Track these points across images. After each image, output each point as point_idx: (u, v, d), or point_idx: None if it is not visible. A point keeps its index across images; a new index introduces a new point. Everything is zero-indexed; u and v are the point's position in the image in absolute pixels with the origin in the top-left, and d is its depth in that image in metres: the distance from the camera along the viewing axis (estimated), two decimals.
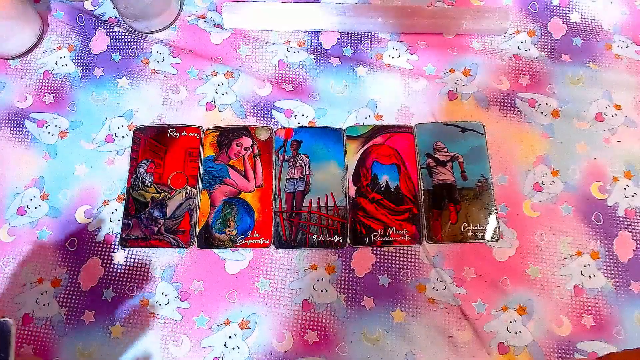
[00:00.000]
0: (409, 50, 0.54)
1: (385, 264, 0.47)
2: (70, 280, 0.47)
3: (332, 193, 0.49)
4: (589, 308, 0.45)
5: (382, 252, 0.47)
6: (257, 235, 0.47)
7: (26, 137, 0.51)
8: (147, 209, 0.48)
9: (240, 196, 0.49)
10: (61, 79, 0.54)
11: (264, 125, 0.52)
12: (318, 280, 0.47)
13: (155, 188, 0.49)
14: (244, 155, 0.50)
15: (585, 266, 0.47)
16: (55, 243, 0.48)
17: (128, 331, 0.45)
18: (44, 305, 0.46)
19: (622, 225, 0.48)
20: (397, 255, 0.47)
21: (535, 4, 0.57)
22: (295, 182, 0.49)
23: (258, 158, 0.50)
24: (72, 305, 0.46)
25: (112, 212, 0.49)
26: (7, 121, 0.52)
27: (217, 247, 0.47)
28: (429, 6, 0.56)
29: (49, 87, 0.53)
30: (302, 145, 0.51)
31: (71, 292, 0.46)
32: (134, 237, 0.47)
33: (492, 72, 0.53)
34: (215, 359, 0.44)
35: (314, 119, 0.52)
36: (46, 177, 0.50)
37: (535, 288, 0.46)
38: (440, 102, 0.52)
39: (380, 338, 0.45)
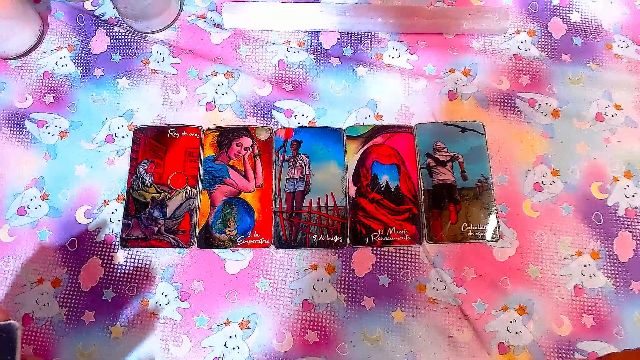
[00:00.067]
0: (409, 50, 0.54)
1: (385, 264, 0.47)
2: (70, 280, 0.47)
3: (332, 193, 0.49)
4: (589, 308, 0.45)
5: (382, 252, 0.47)
6: (257, 235, 0.47)
7: (26, 137, 0.51)
8: (147, 209, 0.48)
9: (240, 196, 0.49)
10: (61, 79, 0.54)
11: (264, 125, 0.52)
12: (318, 280, 0.47)
13: (155, 188, 0.49)
14: (244, 155, 0.50)
15: (585, 266, 0.47)
16: (56, 243, 0.48)
17: (128, 331, 0.45)
18: (44, 305, 0.46)
19: (622, 225, 0.48)
20: (397, 255, 0.47)
21: (535, 4, 0.57)
22: (295, 182, 0.49)
23: (258, 158, 0.50)
24: (72, 305, 0.46)
25: (112, 212, 0.49)
26: (7, 121, 0.52)
27: (217, 247, 0.47)
28: (429, 6, 0.56)
29: (49, 88, 0.53)
30: (302, 145, 0.51)
31: (71, 292, 0.46)
32: (134, 237, 0.47)
33: (492, 72, 0.53)
34: (215, 359, 0.44)
35: (314, 119, 0.52)
36: (46, 177, 0.50)
37: (536, 288, 0.46)
38: (440, 102, 0.52)
39: (380, 338, 0.45)
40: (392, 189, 0.49)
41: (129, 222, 0.48)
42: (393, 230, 0.47)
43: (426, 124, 0.51)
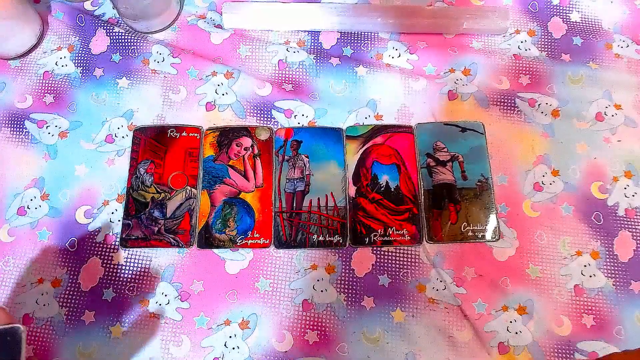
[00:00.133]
0: (409, 50, 0.54)
1: (385, 264, 0.47)
2: (70, 280, 0.47)
3: (332, 193, 0.49)
4: (589, 308, 0.45)
5: (382, 252, 0.47)
6: (257, 235, 0.47)
7: (26, 137, 0.51)
8: (147, 209, 0.48)
9: (240, 196, 0.49)
10: (61, 80, 0.54)
11: (264, 125, 0.52)
12: (318, 280, 0.47)
13: (155, 188, 0.49)
14: (244, 155, 0.50)
15: (585, 266, 0.47)
16: (56, 243, 0.48)
17: (128, 331, 0.45)
18: (44, 305, 0.46)
19: (623, 225, 0.48)
20: (397, 255, 0.47)
21: (535, 4, 0.57)
22: (295, 182, 0.49)
23: (258, 158, 0.50)
24: (72, 305, 0.46)
25: (112, 213, 0.49)
26: (7, 121, 0.52)
27: (217, 247, 0.47)
28: (429, 6, 0.56)
29: (49, 88, 0.53)
30: (302, 145, 0.51)
31: (71, 292, 0.46)
32: (134, 237, 0.47)
33: (492, 71, 0.53)
34: (215, 359, 0.44)
35: (314, 119, 0.52)
36: (46, 177, 0.50)
37: (536, 288, 0.46)
38: (440, 102, 0.52)
39: (380, 338, 0.45)
40: (392, 189, 0.49)
41: (129, 222, 0.48)
42: (393, 230, 0.47)
43: (426, 124, 0.51)
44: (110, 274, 0.47)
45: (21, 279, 0.47)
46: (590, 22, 0.56)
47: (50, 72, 0.54)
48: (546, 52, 0.54)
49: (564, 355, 0.44)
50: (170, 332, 0.45)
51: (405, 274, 0.47)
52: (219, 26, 0.56)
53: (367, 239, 0.47)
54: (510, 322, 0.45)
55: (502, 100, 0.52)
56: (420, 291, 0.46)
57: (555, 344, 0.44)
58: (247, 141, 0.51)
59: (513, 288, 0.46)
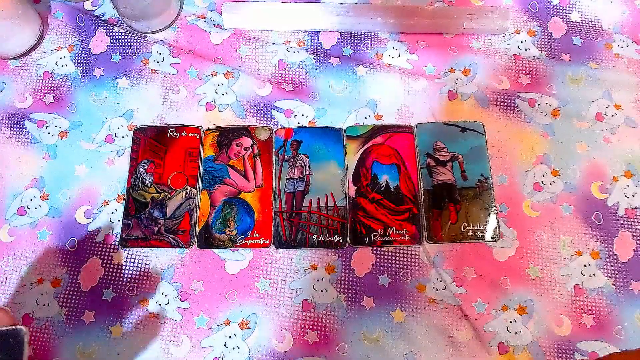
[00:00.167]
0: (408, 50, 0.54)
1: (385, 264, 0.47)
2: (70, 280, 0.47)
3: (332, 193, 0.49)
4: (589, 308, 0.45)
5: (382, 252, 0.47)
6: (257, 235, 0.47)
7: (26, 137, 0.51)
8: (147, 209, 0.48)
9: (240, 196, 0.49)
10: (61, 79, 0.54)
11: (264, 125, 0.52)
12: (318, 280, 0.47)
13: (155, 188, 0.49)
14: (243, 155, 0.50)
15: (585, 266, 0.47)
16: (55, 243, 0.48)
17: (128, 331, 0.45)
18: (44, 305, 0.46)
19: (622, 225, 0.48)
20: (397, 255, 0.47)
21: (535, 4, 0.57)
22: (295, 182, 0.49)
23: (258, 158, 0.50)
24: (72, 305, 0.46)
25: (112, 212, 0.49)
26: (7, 121, 0.52)
27: (217, 247, 0.47)
28: (429, 6, 0.56)
29: (49, 88, 0.53)
30: (302, 145, 0.51)
31: (71, 292, 0.46)
32: (134, 237, 0.47)
33: (492, 71, 0.53)
34: (215, 359, 0.44)
35: (313, 119, 0.52)
36: (46, 177, 0.50)
37: (536, 288, 0.46)
38: (440, 101, 0.52)
39: (380, 338, 0.45)
40: (392, 189, 0.49)
41: (129, 222, 0.48)
42: (393, 230, 0.47)
43: (426, 124, 0.51)
44: (110, 274, 0.47)
45: (21, 279, 0.47)
46: (590, 22, 0.56)
47: (50, 72, 0.54)
48: (546, 52, 0.54)
49: (564, 355, 0.44)
50: (170, 332, 0.45)
51: (405, 274, 0.47)
52: (219, 26, 0.56)
53: (367, 239, 0.47)
54: (510, 322, 0.45)
55: (502, 100, 0.52)
56: (420, 291, 0.46)
57: (555, 344, 0.44)
58: (247, 141, 0.51)
59: (513, 288, 0.46)
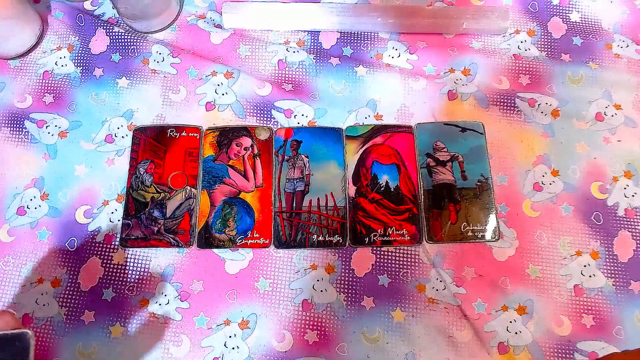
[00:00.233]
0: (408, 50, 0.54)
1: (385, 264, 0.47)
2: (70, 280, 0.47)
3: (332, 193, 0.49)
4: (589, 308, 0.45)
5: (382, 252, 0.47)
6: (257, 235, 0.47)
7: (26, 137, 0.51)
8: (147, 209, 0.48)
9: (240, 196, 0.49)
10: (61, 79, 0.54)
11: (264, 125, 0.52)
12: (318, 280, 0.47)
13: (155, 188, 0.49)
14: (243, 155, 0.50)
15: (585, 266, 0.47)
16: (55, 243, 0.48)
17: (128, 331, 0.45)
18: (43, 305, 0.46)
19: (622, 225, 0.48)
20: (397, 255, 0.47)
21: (535, 4, 0.57)
22: (295, 182, 0.49)
23: (258, 158, 0.50)
24: (72, 305, 0.46)
25: (112, 212, 0.49)
26: (7, 121, 0.52)
27: (217, 247, 0.47)
28: (429, 6, 0.56)
29: (49, 87, 0.53)
30: (302, 145, 0.51)
31: (71, 292, 0.46)
32: (133, 237, 0.47)
33: (492, 71, 0.53)
34: (215, 359, 0.44)
35: (313, 118, 0.52)
36: (46, 177, 0.50)
37: (535, 288, 0.46)
38: (440, 101, 0.52)
39: (380, 338, 0.45)
40: (392, 189, 0.49)
41: (129, 222, 0.48)
42: (393, 230, 0.47)
43: (426, 124, 0.51)
44: (110, 274, 0.47)
45: (21, 279, 0.47)
46: (590, 22, 0.56)
47: (50, 72, 0.54)
48: (546, 52, 0.54)
49: (563, 355, 0.44)
50: (170, 332, 0.45)
51: (405, 274, 0.47)
52: (219, 26, 0.56)
53: (367, 239, 0.47)
54: (510, 322, 0.45)
55: (502, 100, 0.52)
56: (420, 291, 0.46)
57: (555, 344, 0.44)
58: (247, 141, 0.51)
59: (513, 288, 0.46)
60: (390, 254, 0.47)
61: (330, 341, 0.45)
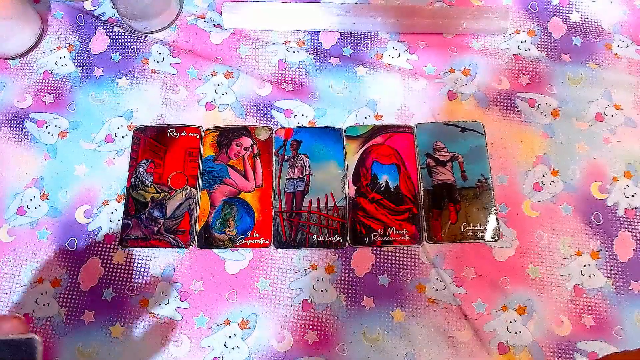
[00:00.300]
0: (408, 50, 0.54)
1: (385, 264, 0.47)
2: (70, 280, 0.47)
3: (332, 193, 0.49)
4: (589, 308, 0.45)
5: (382, 252, 0.47)
6: (257, 235, 0.47)
7: (26, 137, 0.51)
8: (147, 209, 0.48)
9: (240, 196, 0.49)
10: (61, 79, 0.54)
11: (264, 125, 0.52)
12: (318, 280, 0.47)
13: (155, 188, 0.49)
14: (243, 155, 0.50)
15: (585, 266, 0.47)
16: (55, 243, 0.48)
17: (128, 331, 0.45)
18: (43, 305, 0.46)
19: (622, 225, 0.48)
20: (397, 255, 0.47)
21: (535, 4, 0.57)
22: (295, 182, 0.49)
23: (258, 158, 0.50)
24: (72, 305, 0.46)
25: (112, 212, 0.49)
26: (7, 121, 0.52)
27: (217, 247, 0.47)
28: (429, 6, 0.56)
29: (49, 87, 0.53)
30: (302, 145, 0.51)
31: (71, 292, 0.46)
32: (133, 237, 0.47)
33: (492, 72, 0.53)
34: (215, 359, 0.44)
35: (313, 118, 0.52)
36: (46, 177, 0.50)
37: (535, 288, 0.46)
38: (440, 102, 0.52)
39: (380, 338, 0.45)
40: (392, 189, 0.49)
41: (129, 222, 0.48)
42: (393, 230, 0.47)
43: (426, 124, 0.51)
44: (110, 273, 0.47)
45: (21, 278, 0.47)
46: (590, 22, 0.56)
47: (50, 72, 0.54)
48: (546, 52, 0.54)
49: (563, 355, 0.44)
50: (170, 332, 0.45)
51: (405, 274, 0.47)
52: (219, 26, 0.56)
53: (367, 239, 0.47)
54: (510, 322, 0.45)
55: (502, 100, 0.52)
56: (420, 291, 0.46)
57: (555, 344, 0.44)
58: (247, 141, 0.51)
59: (513, 288, 0.46)
60: (390, 254, 0.47)
61: (330, 341, 0.45)
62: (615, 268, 0.46)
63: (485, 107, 0.52)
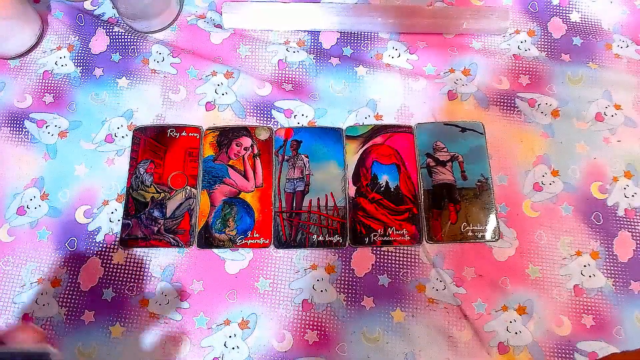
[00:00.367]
0: (408, 50, 0.54)
1: (385, 264, 0.47)
2: (70, 280, 0.47)
3: (332, 193, 0.49)
4: (589, 308, 0.45)
5: (382, 252, 0.47)
6: (257, 235, 0.47)
7: (26, 137, 0.51)
8: (147, 209, 0.48)
9: (240, 196, 0.49)
10: (61, 79, 0.54)
11: (264, 125, 0.52)
12: (318, 280, 0.47)
13: (155, 188, 0.49)
14: (243, 155, 0.50)
15: (585, 266, 0.47)
16: (55, 243, 0.48)
17: (128, 331, 0.45)
18: (43, 305, 0.46)
19: (622, 225, 0.48)
20: (397, 255, 0.47)
21: (535, 4, 0.57)
22: (295, 182, 0.49)
23: (258, 158, 0.50)
24: (72, 305, 0.46)
25: (112, 212, 0.49)
26: (7, 121, 0.52)
27: (217, 247, 0.47)
28: (429, 6, 0.56)
29: (49, 87, 0.53)
30: (302, 145, 0.51)
31: (71, 292, 0.46)
32: (133, 237, 0.47)
33: (492, 72, 0.53)
34: (215, 359, 0.44)
35: (313, 118, 0.52)
36: (46, 177, 0.50)
37: (535, 288, 0.46)
38: (440, 102, 0.52)
39: (380, 338, 0.45)
40: (392, 189, 0.49)
41: (129, 222, 0.48)
42: (393, 230, 0.47)
43: (426, 124, 0.51)
44: (109, 273, 0.47)
45: (21, 278, 0.47)
46: (590, 22, 0.56)
47: (50, 72, 0.54)
48: (546, 52, 0.54)
49: (563, 355, 0.44)
50: (170, 332, 0.45)
51: (405, 274, 0.47)
52: (219, 26, 0.56)
53: (367, 239, 0.47)
54: (510, 322, 0.45)
55: (502, 100, 0.52)
56: (420, 291, 0.46)
57: (555, 344, 0.44)
58: (247, 141, 0.51)
59: (513, 288, 0.46)
60: (390, 254, 0.47)
61: (330, 341, 0.45)
62: (615, 268, 0.46)
63: (485, 107, 0.52)
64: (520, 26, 0.56)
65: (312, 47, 0.55)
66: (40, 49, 0.55)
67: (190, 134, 0.51)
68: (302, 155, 0.50)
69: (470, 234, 0.47)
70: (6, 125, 0.52)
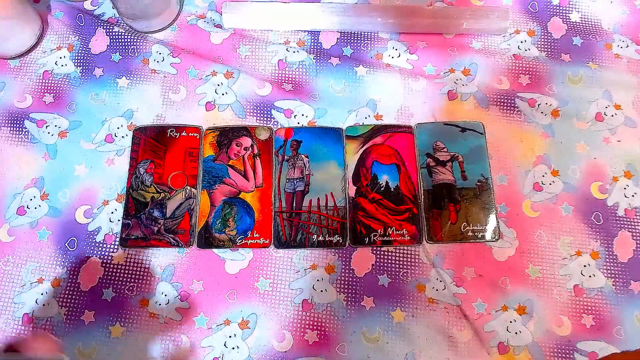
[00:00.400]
0: (408, 50, 0.54)
1: (385, 264, 0.47)
2: (70, 280, 0.47)
3: (332, 193, 0.49)
4: (589, 308, 0.45)
5: (382, 252, 0.47)
6: (257, 235, 0.47)
7: (26, 137, 0.51)
8: (147, 209, 0.48)
9: (240, 196, 0.49)
10: (61, 79, 0.54)
11: (264, 125, 0.52)
12: (318, 280, 0.47)
13: (155, 188, 0.49)
14: (243, 155, 0.50)
15: (585, 266, 0.47)
16: (55, 243, 0.48)
17: (128, 331, 0.45)
18: (43, 305, 0.46)
19: (622, 225, 0.48)
20: (397, 255, 0.47)
21: (535, 4, 0.57)
22: (295, 182, 0.49)
23: (258, 158, 0.50)
24: (72, 305, 0.46)
25: (112, 212, 0.49)
26: (7, 121, 0.52)
27: (217, 247, 0.47)
28: (429, 6, 0.56)
29: (49, 87, 0.53)
30: (302, 145, 0.51)
31: (71, 292, 0.46)
32: (133, 237, 0.47)
33: (492, 71, 0.53)
34: (215, 359, 0.44)
35: (313, 118, 0.52)
36: (46, 177, 0.50)
37: (535, 288, 0.46)
38: (440, 102, 0.52)
39: (380, 338, 0.45)
40: (392, 189, 0.49)
41: (129, 222, 0.48)
42: (393, 230, 0.47)
43: (426, 124, 0.51)
44: (110, 273, 0.47)
45: (21, 278, 0.47)
46: (590, 22, 0.56)
47: (50, 72, 0.54)
48: (546, 52, 0.54)
49: (563, 355, 0.44)
50: (170, 332, 0.45)
51: (405, 274, 0.47)
52: (219, 26, 0.56)
53: (367, 239, 0.47)
54: (510, 322, 0.45)
55: (502, 100, 0.52)
56: (420, 291, 0.46)
57: (555, 344, 0.44)
58: (247, 141, 0.51)
59: (513, 288, 0.46)
60: (390, 254, 0.47)
61: (330, 341, 0.45)
62: (615, 268, 0.46)
63: (485, 107, 0.52)
64: (520, 26, 0.56)
65: (312, 47, 0.55)
66: (40, 49, 0.55)
67: (190, 134, 0.51)
68: (302, 155, 0.50)
69: (470, 234, 0.47)
70: (6, 125, 0.52)
